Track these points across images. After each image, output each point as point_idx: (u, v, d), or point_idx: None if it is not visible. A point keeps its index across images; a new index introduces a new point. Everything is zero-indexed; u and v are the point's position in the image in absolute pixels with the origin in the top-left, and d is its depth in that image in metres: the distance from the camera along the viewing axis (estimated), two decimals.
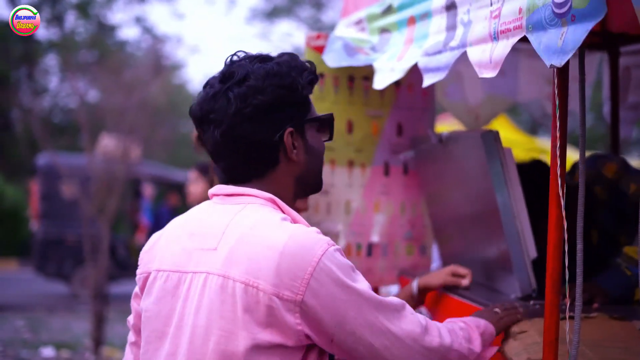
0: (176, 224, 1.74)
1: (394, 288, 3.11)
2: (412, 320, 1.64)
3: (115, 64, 10.91)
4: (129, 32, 24.35)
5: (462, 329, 1.80)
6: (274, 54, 1.73)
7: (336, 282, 1.54)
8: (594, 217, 2.61)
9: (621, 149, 3.48)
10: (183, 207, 10.40)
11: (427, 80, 2.15)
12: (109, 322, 7.42)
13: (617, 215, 2.62)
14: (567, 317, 1.73)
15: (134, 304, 1.77)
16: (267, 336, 1.53)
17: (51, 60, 19.59)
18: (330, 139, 1.79)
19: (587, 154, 2.39)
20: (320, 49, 2.82)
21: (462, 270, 2.41)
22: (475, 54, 1.89)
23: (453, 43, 2.03)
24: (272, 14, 19.02)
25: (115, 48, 17.81)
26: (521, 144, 6.66)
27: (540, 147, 6.95)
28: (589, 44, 2.84)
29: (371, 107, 2.96)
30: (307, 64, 1.72)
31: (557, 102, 1.71)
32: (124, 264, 11.52)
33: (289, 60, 1.69)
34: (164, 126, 13.14)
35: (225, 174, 1.71)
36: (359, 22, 2.76)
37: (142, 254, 1.76)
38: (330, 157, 2.87)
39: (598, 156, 2.74)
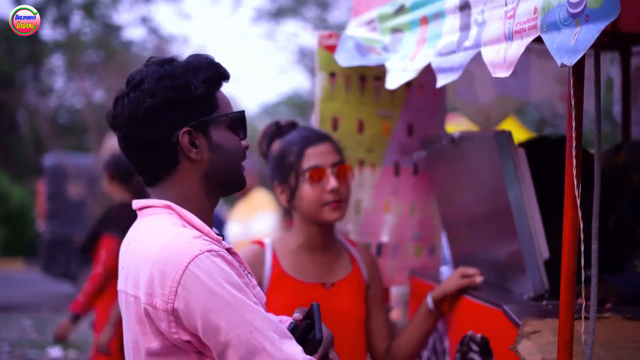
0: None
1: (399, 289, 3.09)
2: (296, 349, 1.57)
3: (121, 64, 10.94)
4: (134, 33, 24.34)
5: None
6: (184, 56, 1.74)
7: (206, 289, 1.53)
8: (620, 202, 2.56)
9: None
10: None
11: (441, 81, 2.14)
12: None
13: None
14: (583, 317, 1.72)
15: None
16: (158, 344, 1.57)
17: (57, 61, 19.60)
18: (245, 137, 1.77)
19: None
20: (332, 48, 2.82)
21: (470, 270, 2.44)
22: (490, 54, 1.89)
23: (467, 43, 2.03)
24: (278, 14, 19.00)
25: (121, 48, 17.79)
26: None
27: None
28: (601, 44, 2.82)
29: (382, 107, 2.96)
30: (211, 63, 1.71)
31: (572, 102, 1.70)
32: None
33: (188, 62, 1.70)
34: None
35: (139, 175, 1.75)
36: (370, 22, 2.76)
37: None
38: None
39: None
